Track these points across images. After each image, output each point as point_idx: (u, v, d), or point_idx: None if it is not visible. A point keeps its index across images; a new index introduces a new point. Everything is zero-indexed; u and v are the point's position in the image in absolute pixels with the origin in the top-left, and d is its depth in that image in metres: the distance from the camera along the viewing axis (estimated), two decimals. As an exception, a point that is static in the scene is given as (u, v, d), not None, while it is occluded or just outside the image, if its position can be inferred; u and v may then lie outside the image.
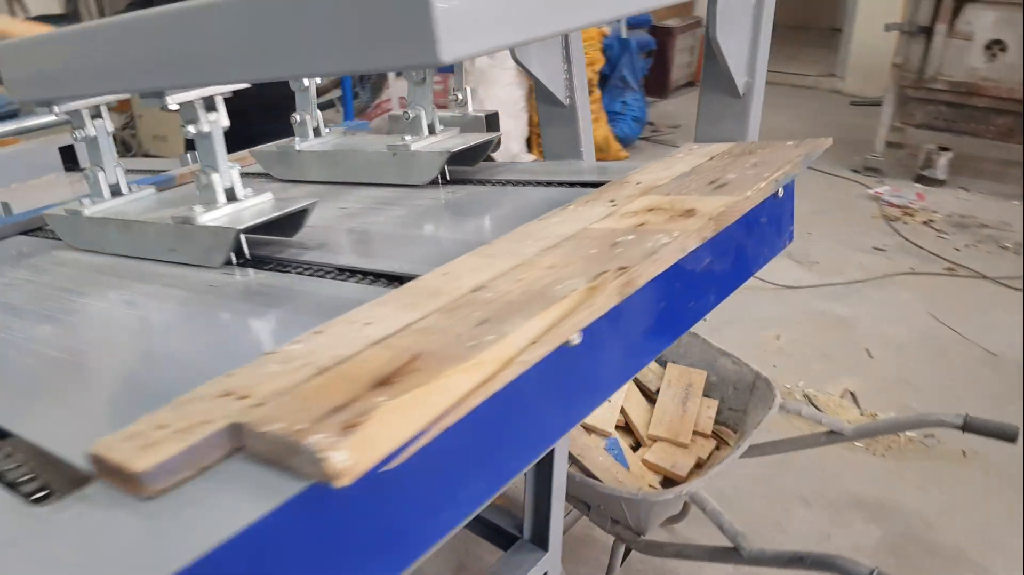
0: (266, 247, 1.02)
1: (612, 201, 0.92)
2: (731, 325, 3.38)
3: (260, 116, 2.48)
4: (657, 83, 7.11)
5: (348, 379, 0.56)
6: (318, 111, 1.44)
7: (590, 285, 0.67)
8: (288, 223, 1.03)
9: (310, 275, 0.91)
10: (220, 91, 0.98)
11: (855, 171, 5.18)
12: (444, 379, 0.55)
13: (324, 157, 1.37)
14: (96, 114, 1.14)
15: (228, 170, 1.00)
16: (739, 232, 0.91)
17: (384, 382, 0.55)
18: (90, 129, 1.13)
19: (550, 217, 0.90)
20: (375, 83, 5.50)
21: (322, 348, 0.63)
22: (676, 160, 1.05)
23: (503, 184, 1.21)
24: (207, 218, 0.97)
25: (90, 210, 1.12)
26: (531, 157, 5.16)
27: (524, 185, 1.19)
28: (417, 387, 0.54)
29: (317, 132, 1.45)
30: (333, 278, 0.89)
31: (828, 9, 8.70)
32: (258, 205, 1.02)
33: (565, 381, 0.70)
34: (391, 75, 5.16)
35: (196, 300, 0.88)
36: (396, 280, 0.86)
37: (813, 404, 2.78)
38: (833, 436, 1.80)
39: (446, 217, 1.09)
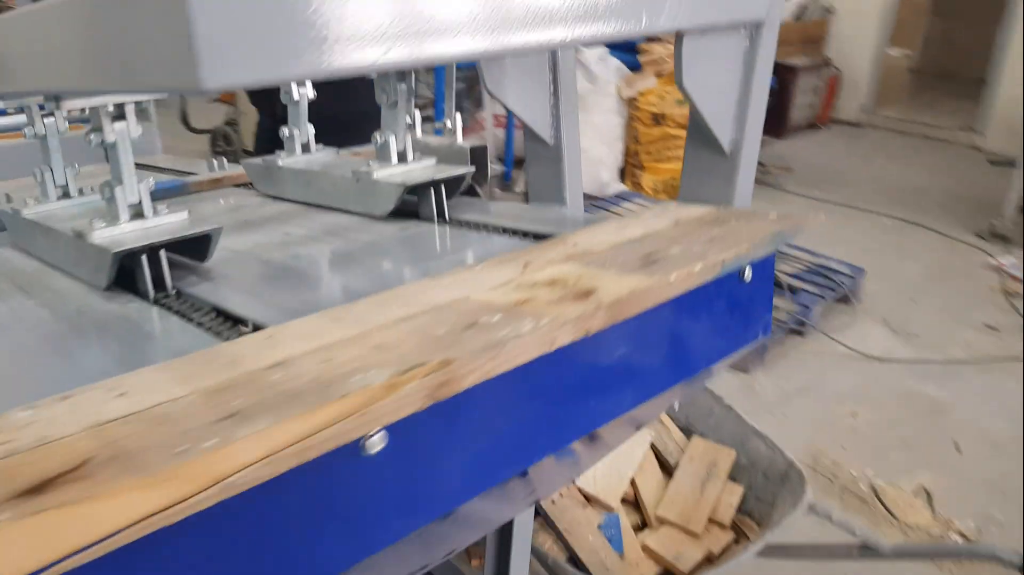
0: (171, 270, 0.93)
1: (527, 264, 0.77)
2: (803, 394, 3.09)
3: (343, 125, 2.42)
4: (774, 122, 6.77)
5: (5, 477, 0.44)
6: (309, 126, 1.36)
7: (389, 382, 0.53)
8: (198, 247, 0.94)
9: (179, 313, 0.81)
10: (131, 99, 0.90)
11: (980, 236, 4.69)
12: (106, 499, 0.42)
13: (299, 176, 1.28)
14: (49, 112, 1.09)
15: (135, 184, 0.92)
16: (671, 320, 0.74)
17: (37, 489, 0.43)
18: (39, 127, 1.08)
19: (443, 277, 0.75)
20: (477, 99, 5.48)
21: (44, 422, 0.52)
22: (637, 221, 0.89)
23: (463, 226, 1.07)
24: (100, 235, 0.89)
25: (29, 211, 1.07)
26: (621, 187, 4.98)
27: (484, 230, 1.05)
28: (59, 506, 0.41)
29: (307, 148, 1.36)
30: (198, 320, 0.78)
31: (977, 57, 8.05)
32: (164, 225, 0.93)
33: (357, 499, 0.55)
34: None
35: (46, 328, 0.79)
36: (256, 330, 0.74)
37: (879, 498, 2.47)
38: (867, 552, 1.54)
39: (374, 259, 0.97)
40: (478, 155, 1.24)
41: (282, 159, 1.33)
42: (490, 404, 0.62)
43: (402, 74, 1.13)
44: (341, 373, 0.55)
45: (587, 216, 1.09)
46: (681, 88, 0.81)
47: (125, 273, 0.87)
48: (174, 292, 0.87)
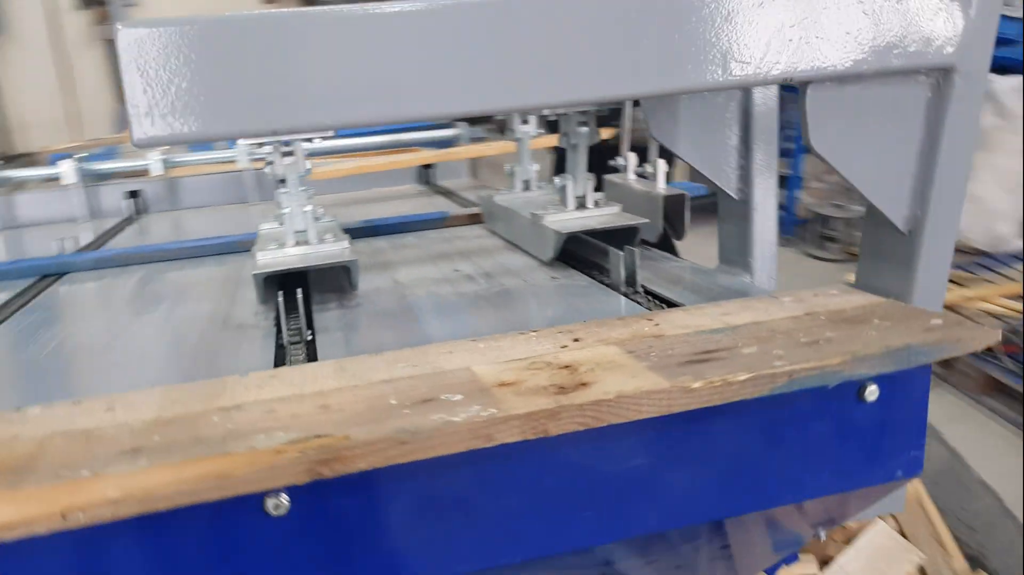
0: (328, 292, 1.00)
1: (577, 339, 0.67)
2: None
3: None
4: None
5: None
6: (531, 164, 1.36)
7: (275, 447, 0.50)
8: (347, 275, 0.99)
9: (277, 338, 0.86)
10: (299, 137, 0.98)
11: None
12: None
13: (504, 214, 1.29)
14: (289, 151, 1.16)
15: (300, 214, 1.01)
16: (731, 434, 0.58)
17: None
18: (278, 168, 1.09)
19: (480, 341, 0.69)
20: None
21: (33, 422, 0.59)
22: (762, 305, 0.72)
23: (608, 286, 0.97)
24: (262, 256, 0.98)
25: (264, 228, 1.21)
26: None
27: (627, 293, 0.94)
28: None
29: (528, 186, 1.36)
30: (289, 346, 0.83)
31: None
32: (317, 253, 0.99)
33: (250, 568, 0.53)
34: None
35: (185, 330, 0.90)
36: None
37: None
38: None
39: (489, 307, 0.92)
40: (673, 205, 1.12)
41: (499, 196, 1.35)
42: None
43: (584, 116, 1.07)
44: (261, 427, 0.54)
45: (761, 290, 0.92)
46: (810, 148, 0.64)
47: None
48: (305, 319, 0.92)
